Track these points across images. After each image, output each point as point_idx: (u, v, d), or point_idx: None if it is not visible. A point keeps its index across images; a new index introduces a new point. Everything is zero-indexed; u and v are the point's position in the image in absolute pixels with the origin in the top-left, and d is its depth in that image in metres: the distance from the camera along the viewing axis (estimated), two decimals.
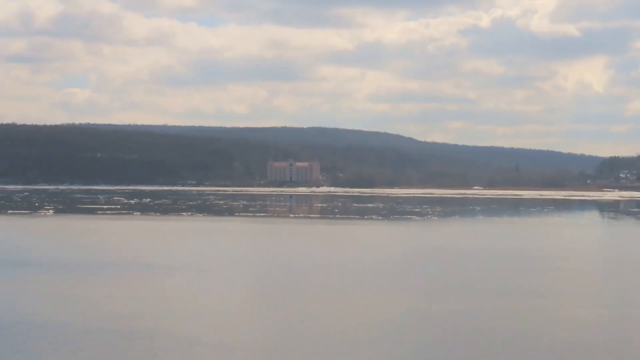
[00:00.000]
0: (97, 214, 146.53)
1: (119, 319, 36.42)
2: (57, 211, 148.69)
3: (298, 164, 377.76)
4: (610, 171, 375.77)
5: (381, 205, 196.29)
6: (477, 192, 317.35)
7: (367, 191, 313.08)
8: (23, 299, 44.12)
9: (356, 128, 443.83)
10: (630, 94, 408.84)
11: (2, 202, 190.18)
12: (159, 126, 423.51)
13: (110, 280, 53.24)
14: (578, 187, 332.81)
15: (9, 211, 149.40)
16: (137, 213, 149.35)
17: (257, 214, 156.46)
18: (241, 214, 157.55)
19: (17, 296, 44.64)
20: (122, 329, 33.23)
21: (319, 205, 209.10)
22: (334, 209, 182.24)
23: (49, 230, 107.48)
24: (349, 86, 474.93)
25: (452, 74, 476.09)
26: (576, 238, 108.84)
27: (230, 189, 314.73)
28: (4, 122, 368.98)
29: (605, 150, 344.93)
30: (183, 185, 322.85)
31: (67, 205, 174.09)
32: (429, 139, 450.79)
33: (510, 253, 78.88)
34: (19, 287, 49.02)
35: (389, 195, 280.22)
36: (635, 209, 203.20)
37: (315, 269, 62.48)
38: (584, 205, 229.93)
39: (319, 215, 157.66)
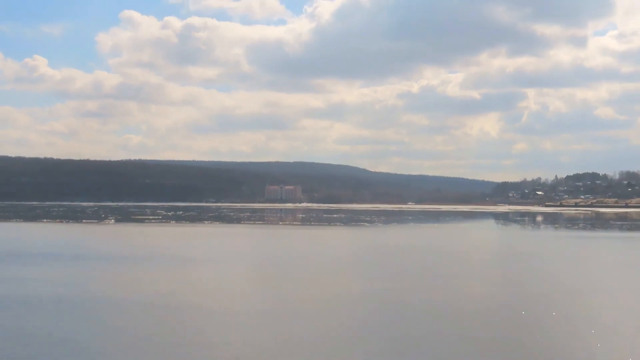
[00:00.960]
0: (145, 222, 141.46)
1: (159, 295, 35.81)
2: (117, 220, 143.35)
3: (286, 187, 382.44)
4: (502, 192, 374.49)
5: (343, 215, 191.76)
6: (410, 206, 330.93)
7: (334, 206, 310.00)
8: (91, 281, 42.76)
9: (327, 162, 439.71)
10: (515, 138, 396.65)
11: (79, 214, 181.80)
12: (190, 161, 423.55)
13: (153, 268, 52.10)
14: (480, 203, 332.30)
15: (84, 220, 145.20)
16: (173, 222, 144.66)
17: (257, 222, 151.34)
18: (246, 222, 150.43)
19: (86, 280, 43.15)
20: (161, 303, 32.92)
21: (300, 215, 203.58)
22: (310, 219, 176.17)
23: (111, 233, 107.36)
24: (322, 133, 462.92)
25: (393, 125, 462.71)
26: (478, 237, 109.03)
27: (239, 205, 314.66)
28: (82, 158, 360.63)
29: (498, 177, 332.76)
30: (206, 202, 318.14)
31: (124, 217, 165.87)
32: (377, 170, 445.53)
33: (432, 248, 76.50)
34: (88, 274, 47.08)
35: (350, 209, 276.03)
36: (519, 218, 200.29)
37: (296, 259, 61.13)
38: (484, 215, 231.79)
39: (300, 223, 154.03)
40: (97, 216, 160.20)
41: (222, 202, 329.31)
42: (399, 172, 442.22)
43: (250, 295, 37.47)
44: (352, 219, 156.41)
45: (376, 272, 48.21)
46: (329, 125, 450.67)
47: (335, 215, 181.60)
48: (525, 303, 33.11)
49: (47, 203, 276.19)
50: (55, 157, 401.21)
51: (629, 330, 26.46)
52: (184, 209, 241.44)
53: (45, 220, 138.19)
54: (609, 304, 34.58)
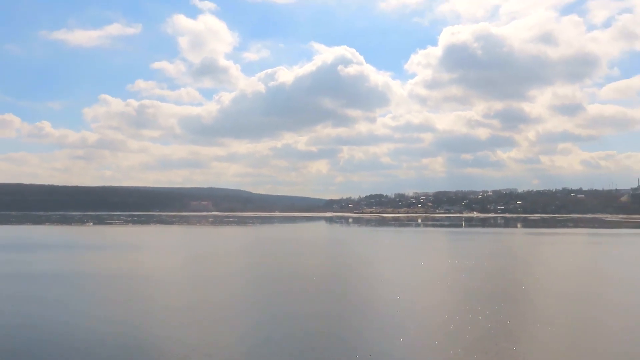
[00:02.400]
0: (112, 224, 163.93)
1: (115, 269, 47.53)
2: (94, 223, 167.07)
3: (202, 202, 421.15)
4: (330, 205, 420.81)
5: (236, 219, 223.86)
6: (276, 214, 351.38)
7: (231, 214, 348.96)
8: (73, 262, 54.64)
9: (227, 187, 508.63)
10: (336, 174, 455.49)
11: (70, 219, 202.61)
12: (143, 187, 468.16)
13: (111, 252, 65.08)
14: (318, 211, 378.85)
15: (73, 223, 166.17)
16: (130, 224, 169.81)
17: (183, 224, 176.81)
18: (176, 223, 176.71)
19: (70, 261, 55.39)
20: (116, 274, 44.61)
21: (210, 219, 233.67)
22: (215, 221, 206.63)
23: (89, 231, 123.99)
24: (224, 170, 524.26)
25: (266, 165, 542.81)
26: (312, 229, 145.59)
27: (174, 213, 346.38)
28: (73, 184, 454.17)
29: (327, 196, 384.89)
30: (153, 212, 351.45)
31: (99, 221, 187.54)
32: (257, 192, 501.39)
33: (289, 237, 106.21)
34: (71, 257, 57.87)
35: (240, 215, 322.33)
36: (338, 220, 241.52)
37: (202, 243, 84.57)
38: (319, 218, 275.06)
39: (209, 223, 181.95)
40: (82, 221, 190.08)
41: (163, 212, 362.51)
42: (270, 194, 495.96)
43: (173, 267, 49.54)
44: (241, 221, 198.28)
45: (250, 252, 66.72)
46: (228, 165, 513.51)
47: (231, 219, 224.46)
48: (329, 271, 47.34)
49: (49, 213, 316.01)
50: (55, 184, 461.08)
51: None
52: (139, 216, 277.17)
53: (47, 223, 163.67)
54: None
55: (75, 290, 35.80)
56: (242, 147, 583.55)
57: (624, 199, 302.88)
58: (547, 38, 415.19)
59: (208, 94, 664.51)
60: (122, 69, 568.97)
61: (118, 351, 21.09)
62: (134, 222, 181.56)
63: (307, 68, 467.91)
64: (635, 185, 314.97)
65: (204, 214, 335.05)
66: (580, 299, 36.12)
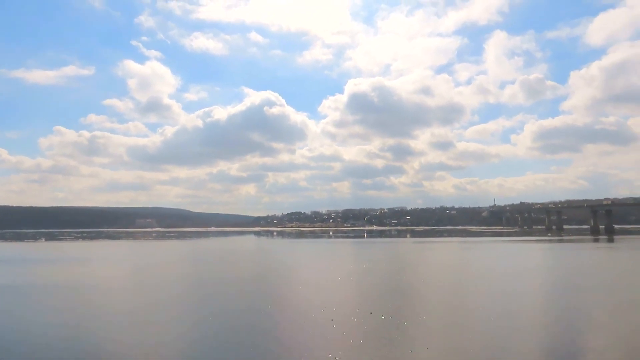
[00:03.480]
0: (63, 240, 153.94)
1: (62, 280, 49.87)
2: (46, 239, 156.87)
3: (147, 220, 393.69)
4: (258, 221, 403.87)
5: (176, 234, 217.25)
6: (213, 229, 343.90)
7: (172, 229, 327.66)
8: (24, 274, 57.35)
9: (169, 207, 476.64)
10: (263, 196, 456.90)
11: (23, 236, 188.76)
12: (93, 207, 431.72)
13: (59, 265, 67.60)
14: (248, 226, 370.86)
15: (26, 240, 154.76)
16: (80, 239, 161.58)
17: (129, 239, 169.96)
18: (123, 239, 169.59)
19: (21, 274, 57.77)
20: (64, 284, 48.18)
21: (153, 234, 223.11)
22: (158, 236, 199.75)
23: (41, 247, 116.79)
24: (166, 192, 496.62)
25: (202, 189, 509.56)
26: (240, 240, 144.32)
27: (120, 230, 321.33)
28: (28, 205, 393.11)
29: (256, 214, 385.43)
30: (102, 228, 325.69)
31: (51, 237, 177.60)
32: (196, 211, 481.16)
33: (220, 247, 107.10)
34: (22, 270, 61.02)
35: (180, 231, 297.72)
36: (263, 233, 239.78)
37: (146, 254, 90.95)
38: (249, 232, 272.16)
39: (152, 238, 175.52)
40: (34, 237, 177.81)
41: (111, 229, 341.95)
42: (207, 212, 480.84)
43: (118, 276, 48.42)
44: (181, 236, 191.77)
45: (188, 261, 68.01)
46: (171, 188, 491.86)
47: (172, 234, 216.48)
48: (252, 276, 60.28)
49: (3, 230, 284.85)
50: (12, 205, 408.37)
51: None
52: (88, 232, 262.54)
53: (0, 240, 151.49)
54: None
55: (24, 300, 33.00)
56: (182, 172, 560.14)
57: (484, 214, 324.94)
58: (426, 90, 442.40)
59: (153, 128, 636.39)
60: (76, 104, 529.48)
61: (63, 353, 19.52)
62: (84, 238, 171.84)
63: (238, 108, 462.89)
64: (492, 203, 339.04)
65: (148, 230, 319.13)
66: (454, 289, 38.02)
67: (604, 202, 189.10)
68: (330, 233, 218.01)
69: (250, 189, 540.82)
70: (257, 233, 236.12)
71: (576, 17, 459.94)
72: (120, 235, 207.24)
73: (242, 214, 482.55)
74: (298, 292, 37.40)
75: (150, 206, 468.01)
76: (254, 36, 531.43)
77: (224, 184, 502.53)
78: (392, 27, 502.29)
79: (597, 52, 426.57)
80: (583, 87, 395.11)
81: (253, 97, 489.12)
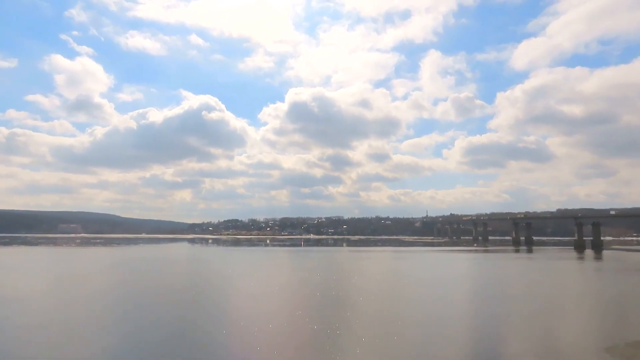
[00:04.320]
0: None
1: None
2: None
3: (72, 225, 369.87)
4: (192, 228, 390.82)
5: (103, 240, 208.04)
6: (143, 235, 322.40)
7: (99, 236, 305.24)
8: None
9: (96, 212, 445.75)
10: (199, 202, 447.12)
11: None
12: (13, 210, 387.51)
13: None
14: (181, 233, 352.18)
15: None
16: None
17: (50, 245, 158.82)
18: (43, 245, 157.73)
19: None
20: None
21: (77, 241, 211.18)
22: (82, 242, 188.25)
23: None
24: (94, 196, 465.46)
25: (132, 193, 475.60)
26: (171, 247, 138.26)
27: (40, 235, 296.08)
28: None
29: (191, 220, 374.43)
30: (20, 234, 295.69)
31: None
32: (125, 216, 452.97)
33: (150, 255, 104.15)
34: None
35: (108, 237, 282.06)
36: (197, 240, 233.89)
37: (68, 260, 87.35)
38: (182, 239, 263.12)
39: (75, 245, 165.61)
40: None
41: (30, 234, 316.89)
42: (138, 217, 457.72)
43: (38, 281, 54.90)
44: (108, 243, 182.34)
45: (114, 270, 76.17)
46: (99, 192, 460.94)
47: (98, 241, 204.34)
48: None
49: None
50: None
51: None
52: (2, 237, 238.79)
53: None
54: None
55: None
56: (112, 175, 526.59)
57: (417, 224, 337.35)
58: (364, 103, 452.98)
59: (82, 127, 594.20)
60: None
61: None
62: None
63: (175, 111, 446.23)
64: (425, 214, 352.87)
65: (72, 236, 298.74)
66: (386, 298, 39.38)
67: (518, 216, 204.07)
68: (267, 241, 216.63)
69: (185, 194, 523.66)
70: (192, 240, 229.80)
71: (503, 42, 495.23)
72: (40, 241, 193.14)
73: (176, 221, 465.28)
74: (232, 303, 36.92)
75: (75, 210, 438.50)
76: (194, 39, 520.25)
77: (157, 189, 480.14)
78: (334, 39, 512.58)
79: (521, 76, 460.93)
80: (508, 107, 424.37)
81: (191, 101, 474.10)
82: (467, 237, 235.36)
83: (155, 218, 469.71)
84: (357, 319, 30.11)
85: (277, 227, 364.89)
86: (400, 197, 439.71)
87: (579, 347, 24.08)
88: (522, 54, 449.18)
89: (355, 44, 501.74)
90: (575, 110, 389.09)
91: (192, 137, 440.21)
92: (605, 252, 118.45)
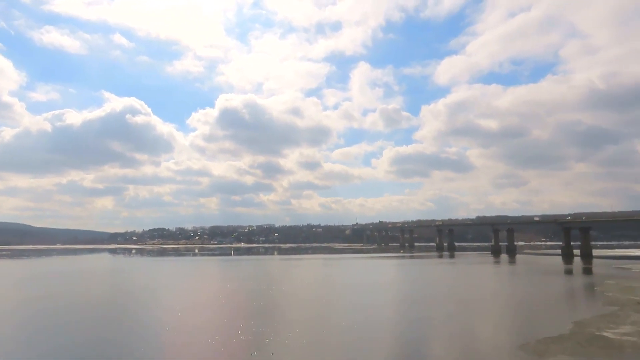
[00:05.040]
0: None
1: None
2: None
3: None
4: (114, 237, 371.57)
5: (10, 252, 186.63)
6: (59, 247, 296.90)
7: (3, 247, 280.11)
8: None
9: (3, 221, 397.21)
10: (121, 210, 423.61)
11: None
12: None
13: None
14: (101, 244, 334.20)
15: None
16: None
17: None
18: None
19: None
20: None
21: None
22: None
23: None
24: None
25: (49, 200, 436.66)
26: (91, 257, 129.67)
27: None
28: None
29: (113, 230, 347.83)
30: None
31: None
32: (38, 225, 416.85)
33: (78, 268, 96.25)
34: None
35: (16, 248, 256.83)
36: (120, 250, 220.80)
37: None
38: (104, 249, 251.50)
39: None
40: None
41: None
42: (52, 227, 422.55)
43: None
44: (16, 255, 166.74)
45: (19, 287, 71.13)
46: (6, 199, 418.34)
47: (4, 252, 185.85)
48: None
49: None
50: None
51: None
52: None
53: None
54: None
55: None
56: (23, 181, 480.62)
57: (347, 232, 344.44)
58: (296, 112, 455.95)
59: None
60: None
61: None
62: None
63: (96, 113, 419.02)
64: (355, 222, 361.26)
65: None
66: (316, 305, 39.58)
67: (441, 223, 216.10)
68: (196, 251, 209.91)
69: (106, 202, 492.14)
70: (113, 251, 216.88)
71: (427, 58, 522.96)
72: None
73: (96, 230, 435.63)
74: (155, 318, 35.17)
75: None
76: (118, 38, 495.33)
77: (75, 196, 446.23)
78: (265, 47, 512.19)
79: (443, 91, 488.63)
80: (431, 120, 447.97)
81: (114, 103, 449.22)
82: (394, 244, 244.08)
83: (73, 227, 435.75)
84: (286, 327, 29.94)
85: (206, 236, 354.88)
86: (331, 205, 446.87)
87: (495, 345, 25.69)
88: (444, 70, 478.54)
89: (286, 52, 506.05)
90: (491, 124, 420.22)
91: (115, 141, 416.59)
92: (518, 256, 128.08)
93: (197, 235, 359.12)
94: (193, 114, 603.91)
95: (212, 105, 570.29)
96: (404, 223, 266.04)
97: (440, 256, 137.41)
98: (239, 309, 38.15)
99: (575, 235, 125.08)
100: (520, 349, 23.99)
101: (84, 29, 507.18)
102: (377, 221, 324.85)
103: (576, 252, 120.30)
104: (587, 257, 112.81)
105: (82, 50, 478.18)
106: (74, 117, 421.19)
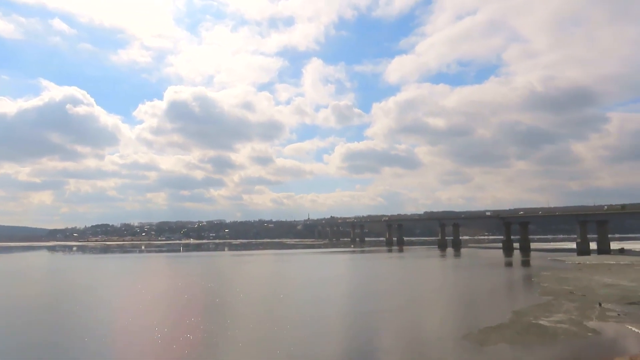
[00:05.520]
0: None
1: None
2: None
3: None
4: (54, 234, 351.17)
5: None
6: None
7: None
8: None
9: None
10: (61, 205, 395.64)
11: None
12: None
13: None
14: (39, 241, 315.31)
15: None
16: None
17: None
18: None
19: None
20: None
21: None
22: None
23: None
24: None
25: None
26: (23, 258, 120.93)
27: None
28: None
29: (52, 226, 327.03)
30: None
31: None
32: None
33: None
34: None
35: None
36: (73, 249, 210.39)
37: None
38: (41, 247, 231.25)
39: None
40: None
41: None
42: None
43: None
44: None
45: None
46: None
47: None
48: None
49: None
50: None
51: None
52: None
53: None
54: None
55: None
56: None
57: (299, 227, 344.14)
58: (248, 106, 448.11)
59: None
60: None
61: None
62: None
63: (33, 102, 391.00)
64: (307, 217, 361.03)
65: None
66: (266, 301, 39.39)
67: (391, 218, 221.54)
68: (143, 247, 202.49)
69: (45, 197, 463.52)
70: (52, 248, 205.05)
71: (378, 57, 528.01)
72: None
73: (32, 226, 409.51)
74: (98, 319, 33.58)
75: None
76: (58, 24, 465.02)
77: (9, 191, 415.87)
78: (217, 39, 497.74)
79: (393, 89, 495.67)
80: (382, 117, 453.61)
81: (53, 92, 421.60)
82: (346, 239, 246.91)
83: (6, 224, 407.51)
84: (236, 324, 29.53)
85: (153, 232, 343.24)
86: (283, 201, 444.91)
87: (441, 336, 26.66)
88: (394, 69, 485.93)
89: (238, 45, 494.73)
90: (438, 122, 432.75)
91: (55, 132, 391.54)
92: (463, 250, 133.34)
93: (144, 232, 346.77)
94: (140, 105, 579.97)
95: (160, 97, 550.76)
96: (355, 218, 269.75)
97: (390, 250, 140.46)
98: (187, 307, 37.20)
99: (516, 229, 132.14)
100: (464, 338, 25.03)
101: (20, 12, 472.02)
102: (329, 216, 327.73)
103: (516, 245, 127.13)
104: (525, 250, 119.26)
105: (17, 35, 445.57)
106: (8, 106, 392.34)
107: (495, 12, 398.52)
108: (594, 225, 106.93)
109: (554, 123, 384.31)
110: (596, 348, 21.72)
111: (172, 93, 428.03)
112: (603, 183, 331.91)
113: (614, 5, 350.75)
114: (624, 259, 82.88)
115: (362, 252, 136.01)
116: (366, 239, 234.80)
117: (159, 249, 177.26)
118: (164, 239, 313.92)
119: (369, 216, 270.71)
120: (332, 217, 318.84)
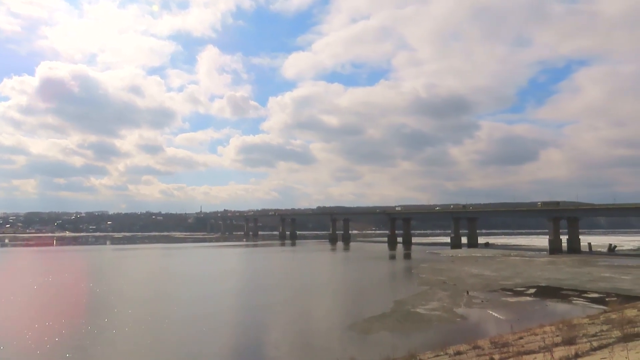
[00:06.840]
0: None
1: None
2: None
3: None
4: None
5: None
6: None
7: None
8: None
9: None
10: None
11: None
12: None
13: None
14: None
15: None
16: None
17: None
18: None
19: None
20: None
21: None
22: None
23: None
24: None
25: None
26: None
27: None
28: None
29: None
30: None
31: None
32: None
33: None
34: None
35: None
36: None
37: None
38: None
39: None
40: None
41: None
42: None
43: None
44: None
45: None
46: None
47: None
48: None
49: None
50: None
51: None
52: None
53: None
54: None
55: None
56: None
57: (190, 220, 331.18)
58: (136, 90, 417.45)
59: None
60: None
61: None
62: None
63: None
64: (199, 210, 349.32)
65: None
66: (150, 298, 37.31)
67: (279, 212, 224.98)
68: (6, 241, 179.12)
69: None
70: None
71: (276, 50, 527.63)
72: None
73: None
74: None
75: None
76: None
77: None
78: (101, 14, 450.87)
79: (290, 84, 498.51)
80: (278, 112, 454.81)
81: None
82: (239, 233, 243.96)
83: None
84: (115, 326, 27.35)
85: (20, 224, 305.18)
86: (174, 192, 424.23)
87: (328, 327, 27.51)
88: (291, 64, 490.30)
89: (126, 24, 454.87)
90: (332, 120, 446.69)
91: None
92: (352, 244, 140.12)
93: (9, 223, 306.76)
94: (5, 79, 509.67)
95: (31, 73, 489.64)
96: (248, 212, 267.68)
97: (283, 244, 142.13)
98: (57, 309, 33.58)
99: (400, 224, 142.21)
100: (350, 328, 26.17)
101: None
102: (222, 210, 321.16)
103: (399, 239, 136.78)
104: (407, 244, 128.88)
105: None
106: None
107: (386, 19, 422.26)
108: (465, 221, 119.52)
109: (434, 127, 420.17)
110: (463, 332, 24.00)
111: (46, 69, 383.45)
112: (474, 184, 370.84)
113: (487, 25, 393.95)
114: (488, 252, 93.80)
115: (255, 246, 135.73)
116: (260, 232, 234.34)
117: (27, 243, 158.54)
118: (33, 231, 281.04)
119: (262, 210, 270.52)
120: (225, 211, 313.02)
